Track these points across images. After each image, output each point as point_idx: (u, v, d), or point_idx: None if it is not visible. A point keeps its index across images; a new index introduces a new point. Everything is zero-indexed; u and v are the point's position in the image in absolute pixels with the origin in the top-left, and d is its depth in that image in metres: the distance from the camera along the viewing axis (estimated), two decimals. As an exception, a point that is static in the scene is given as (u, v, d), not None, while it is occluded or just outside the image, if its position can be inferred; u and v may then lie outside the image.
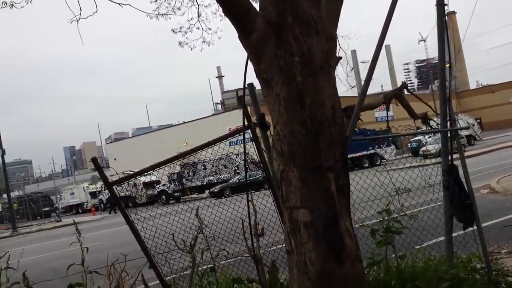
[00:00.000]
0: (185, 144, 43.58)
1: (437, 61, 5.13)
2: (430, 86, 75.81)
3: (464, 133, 35.57)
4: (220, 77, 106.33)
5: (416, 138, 37.03)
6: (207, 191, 33.57)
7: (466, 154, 5.24)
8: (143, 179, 33.74)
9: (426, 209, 5.80)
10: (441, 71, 5.03)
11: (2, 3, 7.02)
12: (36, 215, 47.23)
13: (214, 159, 33.07)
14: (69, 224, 28.92)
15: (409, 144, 38.95)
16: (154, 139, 56.54)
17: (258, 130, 4.58)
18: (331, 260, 3.10)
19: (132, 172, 5.34)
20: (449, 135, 4.98)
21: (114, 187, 4.90)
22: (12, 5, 7.04)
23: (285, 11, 3.18)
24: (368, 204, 5.83)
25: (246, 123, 4.33)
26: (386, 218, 4.90)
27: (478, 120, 56.95)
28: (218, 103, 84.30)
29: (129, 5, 6.90)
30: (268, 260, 4.83)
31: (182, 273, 5.34)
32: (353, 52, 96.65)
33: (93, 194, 44.71)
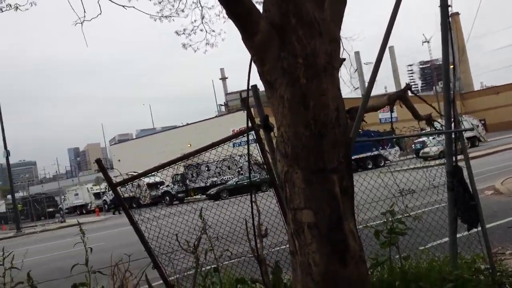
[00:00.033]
0: (189, 145, 43.65)
1: (441, 63, 5.12)
2: (434, 87, 75.66)
3: (468, 134, 35.48)
4: (223, 78, 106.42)
5: (420, 139, 36.92)
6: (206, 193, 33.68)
7: (470, 155, 5.23)
8: (147, 180, 33.81)
9: (431, 210, 5.79)
10: (445, 72, 5.03)
11: (7, 5, 7.07)
12: (40, 216, 47.39)
13: (218, 160, 33.12)
14: (73, 224, 28.98)
15: (413, 146, 38.85)
16: (158, 141, 56.63)
17: (261, 132, 4.59)
18: (335, 261, 3.09)
19: (136, 173, 5.36)
20: (453, 136, 4.97)
21: (118, 188, 4.92)
22: (17, 7, 7.08)
23: (288, 13, 3.18)
24: (372, 205, 5.83)
25: (249, 124, 4.34)
26: (390, 219, 4.89)
27: (483, 122, 56.69)
28: (221, 105, 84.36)
29: (133, 7, 6.94)
30: (271, 260, 4.84)
31: (185, 274, 5.36)
32: (357, 53, 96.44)
33: (97, 195, 44.88)
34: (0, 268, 4.66)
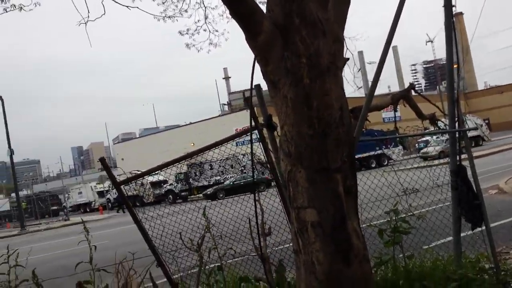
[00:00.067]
0: (192, 144, 43.74)
1: (444, 62, 5.12)
2: (437, 87, 75.39)
3: (472, 133, 35.37)
4: (226, 78, 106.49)
5: (424, 138, 36.86)
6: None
7: (474, 154, 5.22)
8: (150, 178, 33.89)
9: (434, 209, 5.78)
10: (449, 72, 5.02)
11: (11, 5, 7.08)
12: (44, 214, 47.61)
13: (221, 159, 33.15)
14: (77, 222, 29.08)
15: (416, 145, 38.77)
16: (161, 140, 56.74)
17: (265, 131, 4.60)
18: (338, 260, 3.10)
19: (139, 172, 5.38)
20: (457, 135, 4.97)
21: (122, 186, 4.93)
22: (21, 8, 7.10)
23: (292, 13, 3.19)
24: (376, 204, 5.83)
25: (253, 123, 4.35)
26: (394, 218, 4.89)
27: (486, 121, 56.55)
28: (225, 104, 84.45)
29: (137, 7, 6.96)
30: (275, 259, 4.85)
31: (189, 272, 5.37)
32: (360, 53, 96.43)
33: (101, 194, 45.01)
34: (5, 265, 4.69)
